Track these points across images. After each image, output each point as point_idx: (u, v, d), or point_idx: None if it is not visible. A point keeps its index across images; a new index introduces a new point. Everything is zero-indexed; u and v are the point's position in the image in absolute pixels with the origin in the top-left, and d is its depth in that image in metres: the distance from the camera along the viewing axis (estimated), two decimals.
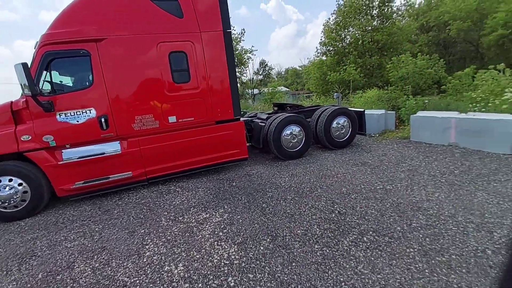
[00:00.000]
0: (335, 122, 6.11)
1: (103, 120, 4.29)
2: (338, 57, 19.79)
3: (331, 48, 20.06)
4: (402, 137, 6.60)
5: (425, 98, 8.97)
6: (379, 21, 19.68)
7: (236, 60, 27.67)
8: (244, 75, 30.70)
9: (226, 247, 2.54)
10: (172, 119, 4.74)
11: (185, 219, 3.32)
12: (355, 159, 5.26)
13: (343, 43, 20.00)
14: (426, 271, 1.90)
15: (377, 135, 7.25)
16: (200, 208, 3.63)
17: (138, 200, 4.29)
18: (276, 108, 7.94)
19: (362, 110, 6.50)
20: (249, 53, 28.50)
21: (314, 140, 6.32)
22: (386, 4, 19.32)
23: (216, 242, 2.65)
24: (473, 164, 4.24)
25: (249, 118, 6.80)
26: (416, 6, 43.39)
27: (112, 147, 4.49)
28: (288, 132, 5.67)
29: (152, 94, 4.55)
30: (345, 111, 6.22)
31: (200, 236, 2.83)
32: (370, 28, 19.21)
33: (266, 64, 57.82)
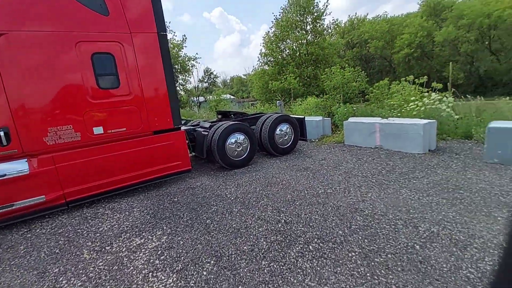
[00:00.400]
0: (278, 129, 6.24)
1: (2, 133, 3.43)
2: (279, 67, 20.82)
3: (272, 59, 21.02)
4: (338, 141, 7.16)
5: (353, 105, 10.03)
6: (312, 36, 21.52)
7: (179, 67, 26.58)
8: (189, 82, 29.66)
9: (163, 277, 2.20)
10: (98, 130, 4.11)
11: (114, 249, 2.81)
12: (299, 165, 5.42)
13: (282, 54, 21.19)
14: (368, 275, 1.95)
15: (317, 140, 7.72)
16: (134, 233, 3.15)
17: (54, 229, 3.53)
18: (220, 116, 7.75)
19: (303, 117, 6.83)
20: (193, 60, 27.79)
21: (260, 147, 6.34)
22: (318, 21, 21.30)
23: (151, 274, 2.28)
24: (396, 164, 4.80)
25: (192, 127, 6.44)
26: (342, 25, 49.43)
27: (16, 167, 3.63)
28: (233, 140, 5.54)
29: (70, 102, 3.86)
30: (288, 118, 6.43)
31: (132, 268, 2.41)
32: (305, 41, 20.85)
33: (211, 72, 57.30)
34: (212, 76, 56.71)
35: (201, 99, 31.26)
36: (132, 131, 4.41)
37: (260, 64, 21.86)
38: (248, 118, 6.74)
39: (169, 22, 25.96)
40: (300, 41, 20.73)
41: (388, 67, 46.61)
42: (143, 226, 3.31)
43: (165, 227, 3.19)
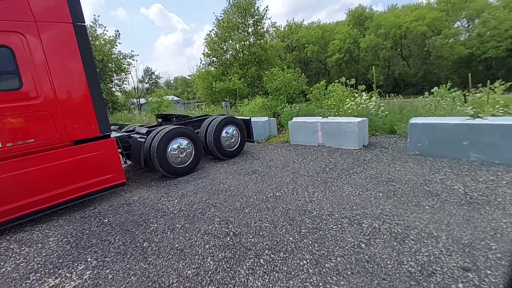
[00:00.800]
0: (224, 132, 6.00)
1: None
2: (223, 68, 20.54)
3: (215, 59, 20.62)
4: (284, 141, 7.29)
5: (296, 105, 10.46)
6: (254, 38, 21.88)
7: (113, 66, 23.80)
8: (126, 83, 26.87)
9: None
10: None
11: None
12: (246, 168, 5.28)
13: (226, 55, 20.99)
14: (320, 284, 1.88)
15: (264, 141, 7.74)
16: (47, 271, 2.51)
17: None
18: (160, 120, 7.09)
19: (249, 118, 6.73)
20: (129, 58, 25.30)
21: (205, 151, 6.01)
22: (258, 24, 21.75)
23: None
24: (337, 160, 5.08)
25: (126, 133, 5.70)
26: (282, 29, 51.91)
27: None
28: (175, 146, 5.07)
29: None
30: (233, 119, 6.23)
31: None
32: (247, 42, 21.06)
33: (153, 72, 53.34)
34: (153, 76, 52.95)
35: (143, 101, 28.78)
36: (44, 142, 3.62)
37: (204, 65, 21.23)
38: (192, 121, 6.31)
39: (98, 16, 23.10)
40: (242, 42, 20.84)
41: (323, 70, 50.85)
42: (61, 260, 2.68)
43: (89, 259, 2.63)
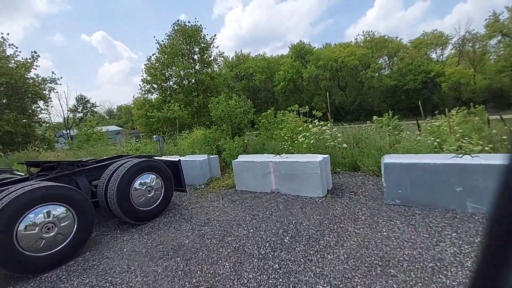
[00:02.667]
0: (138, 183, 4.10)
1: None
2: (164, 95, 18.56)
3: (156, 86, 18.57)
4: (229, 185, 5.66)
5: (243, 137, 9.10)
6: (200, 66, 20.73)
7: (28, 93, 19.46)
8: (45, 112, 22.36)
9: None
10: None
11: None
12: (167, 242, 3.43)
13: (169, 82, 19.17)
14: None
15: (203, 186, 5.98)
16: None
17: None
18: (31, 169, 4.73)
19: (177, 159, 4.95)
20: (50, 83, 21.32)
21: (108, 213, 3.98)
22: (205, 52, 20.81)
23: None
24: (299, 219, 3.62)
25: None
26: (230, 59, 52.86)
27: None
28: (37, 219, 2.98)
29: None
30: (153, 165, 4.39)
31: None
32: (193, 70, 19.74)
33: (87, 100, 47.48)
34: (88, 104, 47.09)
35: (75, 132, 24.24)
36: None
37: (143, 92, 18.88)
38: (86, 170, 4.25)
39: (8, 34, 19.14)
40: (187, 69, 19.41)
41: (272, 99, 52.52)
42: None
43: None
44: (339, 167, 5.87)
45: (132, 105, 18.32)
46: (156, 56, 19.04)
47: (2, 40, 18.43)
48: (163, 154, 8.26)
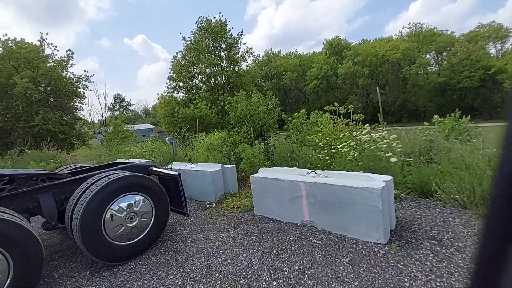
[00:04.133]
0: (115, 208, 2.95)
1: None
2: (190, 93, 17.92)
3: (182, 84, 18.00)
4: (246, 207, 4.32)
5: (269, 141, 7.71)
6: (227, 63, 19.78)
7: (65, 91, 20.29)
8: (82, 111, 23.19)
9: None
10: None
11: None
12: None
13: (194, 80, 18.51)
14: None
15: (213, 204, 4.72)
16: None
17: None
18: None
19: (177, 173, 3.73)
20: (84, 80, 22.05)
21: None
22: (232, 48, 19.79)
23: None
24: (350, 278, 2.14)
25: None
26: (260, 58, 51.77)
27: None
28: None
29: None
30: (139, 181, 3.21)
31: None
32: (219, 68, 18.86)
33: (123, 99, 50.01)
34: (124, 103, 49.59)
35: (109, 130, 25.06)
36: None
37: (169, 90, 18.44)
38: (56, 185, 3.21)
39: (46, 34, 20.04)
40: (214, 67, 18.57)
41: (303, 98, 50.31)
42: None
43: None
44: (398, 187, 4.20)
45: (158, 103, 17.87)
46: (182, 53, 18.49)
47: (41, 40, 19.29)
48: (176, 159, 7.22)
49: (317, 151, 5.40)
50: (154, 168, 4.07)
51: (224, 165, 5.17)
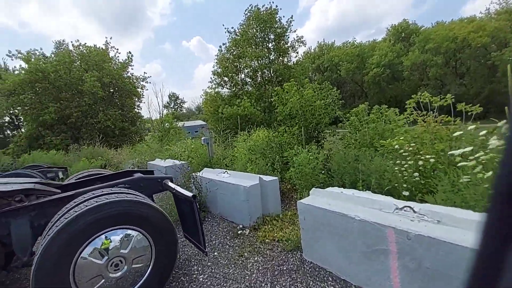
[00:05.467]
0: (91, 250, 1.99)
1: None
2: (235, 89, 17.20)
3: (227, 79, 17.34)
4: (291, 243, 3.01)
5: (324, 143, 6.17)
6: (276, 55, 18.41)
7: (124, 91, 21.93)
8: (140, 109, 24.77)
9: None
10: None
11: None
12: None
13: (240, 75, 17.67)
14: None
15: (247, 230, 3.53)
16: None
17: None
18: None
19: (191, 195, 2.61)
20: (142, 80, 23.47)
21: None
22: (281, 38, 18.32)
23: None
24: None
25: None
26: (312, 51, 48.82)
27: None
28: None
29: None
30: (132, 210, 2.19)
31: None
32: (267, 60, 17.63)
33: (177, 97, 53.26)
34: (178, 101, 52.72)
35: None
36: None
37: (214, 86, 18.03)
38: (32, 206, 2.41)
39: (110, 38, 21.77)
40: (261, 59, 17.44)
41: (360, 92, 45.74)
42: None
43: None
44: None
45: (203, 100, 17.56)
46: (226, 46, 17.75)
47: (106, 44, 20.98)
48: (212, 163, 6.29)
49: (398, 161, 3.71)
50: (169, 183, 3.07)
51: (264, 177, 3.93)
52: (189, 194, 2.61)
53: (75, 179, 3.63)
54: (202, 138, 6.39)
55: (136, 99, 23.46)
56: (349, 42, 47.13)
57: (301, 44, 18.43)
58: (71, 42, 20.45)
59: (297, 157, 4.28)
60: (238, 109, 13.42)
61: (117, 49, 21.55)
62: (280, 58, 18.07)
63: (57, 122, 18.22)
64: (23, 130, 20.97)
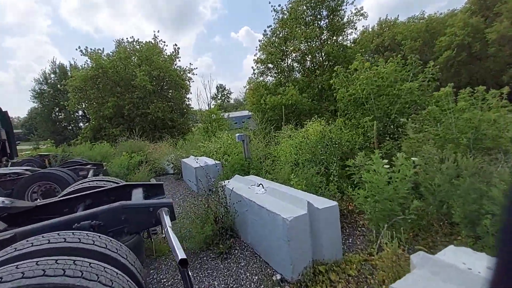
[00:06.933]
0: None
1: None
2: (281, 76, 15.61)
3: (271, 66, 15.80)
4: None
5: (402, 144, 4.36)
6: (329, 34, 16.06)
7: (172, 83, 22.42)
8: (188, 100, 25.17)
9: None
10: None
11: None
12: None
13: (287, 60, 15.93)
14: None
15: None
16: None
17: None
18: None
19: (180, 258, 1.42)
20: (188, 72, 23.61)
21: None
22: (335, 13, 15.80)
23: None
24: None
25: None
26: (370, 30, 43.28)
27: None
28: None
29: None
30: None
31: None
32: (318, 42, 15.49)
33: (224, 88, 53.89)
34: (225, 92, 53.29)
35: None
36: None
37: (257, 75, 16.66)
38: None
39: (158, 31, 22.17)
40: (311, 41, 15.38)
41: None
42: None
43: None
44: None
45: (247, 90, 16.40)
46: (272, 29, 16.03)
47: (155, 38, 21.44)
48: (250, 168, 5.10)
49: None
50: (164, 217, 1.96)
51: (315, 201, 2.54)
52: (179, 255, 1.43)
53: (65, 193, 2.83)
54: (237, 134, 5.23)
55: (184, 91, 23.77)
56: (416, 16, 40.23)
57: (360, 17, 15.63)
58: (126, 38, 21.15)
59: (370, 174, 2.74)
60: (283, 98, 11.93)
61: (164, 42, 21.92)
62: (334, 37, 15.71)
63: (115, 115, 19.49)
64: (93, 122, 23.20)
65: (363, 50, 15.18)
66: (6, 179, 5.18)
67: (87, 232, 1.65)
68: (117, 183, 3.37)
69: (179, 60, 22.68)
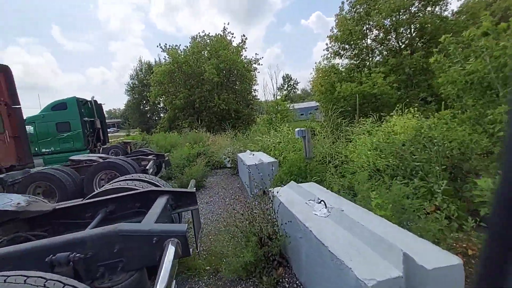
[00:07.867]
0: None
1: None
2: (359, 59, 13.48)
3: (348, 46, 13.71)
4: None
5: None
6: (423, 3, 12.93)
7: (238, 74, 22.66)
8: (254, 91, 25.13)
9: None
10: None
11: None
12: None
13: (366, 39, 13.59)
14: None
15: None
16: None
17: None
18: None
19: None
20: (254, 63, 23.36)
21: None
22: None
23: None
24: None
25: None
26: None
27: None
28: None
29: None
30: None
31: None
32: (408, 14, 12.65)
33: (291, 78, 52.32)
34: (291, 82, 51.72)
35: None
36: None
37: (329, 56, 14.78)
38: None
39: (227, 23, 22.48)
40: (397, 14, 12.67)
41: None
42: None
43: None
44: None
45: (314, 76, 14.66)
46: (351, 2, 13.75)
47: (224, 30, 21.80)
48: (311, 171, 4.11)
49: None
50: (170, 249, 1.30)
51: (417, 259, 1.47)
52: None
53: (95, 193, 2.54)
54: (296, 129, 4.29)
55: (250, 82, 23.70)
56: None
57: None
58: (199, 33, 22.17)
59: None
60: (365, 85, 10.11)
61: (233, 34, 22.10)
62: (429, 7, 12.58)
63: (186, 106, 20.93)
64: (170, 113, 25.81)
65: (473, 18, 11.57)
66: (82, 165, 5.75)
67: (47, 279, 1.10)
68: (157, 184, 2.99)
69: (245, 50, 22.58)
